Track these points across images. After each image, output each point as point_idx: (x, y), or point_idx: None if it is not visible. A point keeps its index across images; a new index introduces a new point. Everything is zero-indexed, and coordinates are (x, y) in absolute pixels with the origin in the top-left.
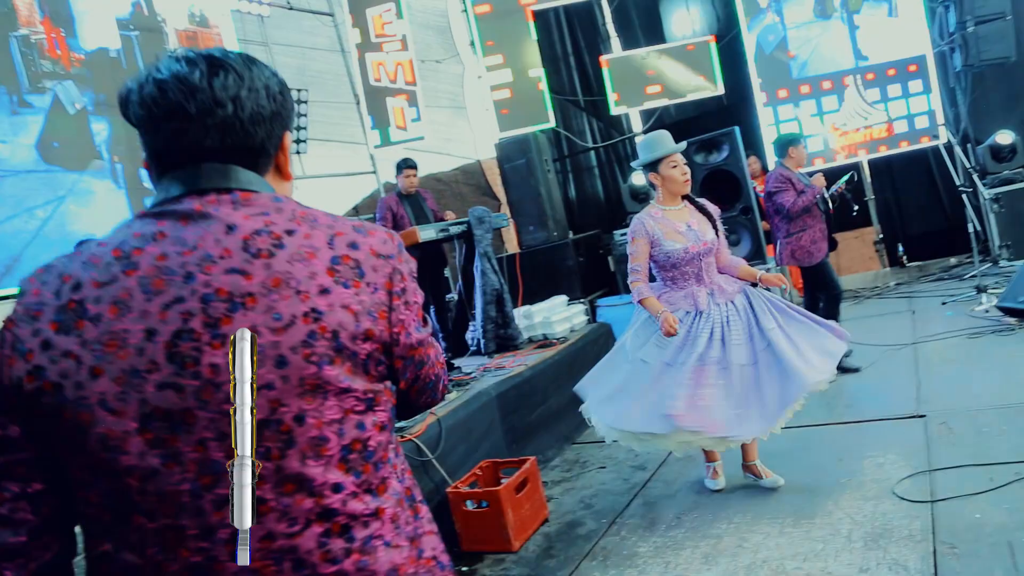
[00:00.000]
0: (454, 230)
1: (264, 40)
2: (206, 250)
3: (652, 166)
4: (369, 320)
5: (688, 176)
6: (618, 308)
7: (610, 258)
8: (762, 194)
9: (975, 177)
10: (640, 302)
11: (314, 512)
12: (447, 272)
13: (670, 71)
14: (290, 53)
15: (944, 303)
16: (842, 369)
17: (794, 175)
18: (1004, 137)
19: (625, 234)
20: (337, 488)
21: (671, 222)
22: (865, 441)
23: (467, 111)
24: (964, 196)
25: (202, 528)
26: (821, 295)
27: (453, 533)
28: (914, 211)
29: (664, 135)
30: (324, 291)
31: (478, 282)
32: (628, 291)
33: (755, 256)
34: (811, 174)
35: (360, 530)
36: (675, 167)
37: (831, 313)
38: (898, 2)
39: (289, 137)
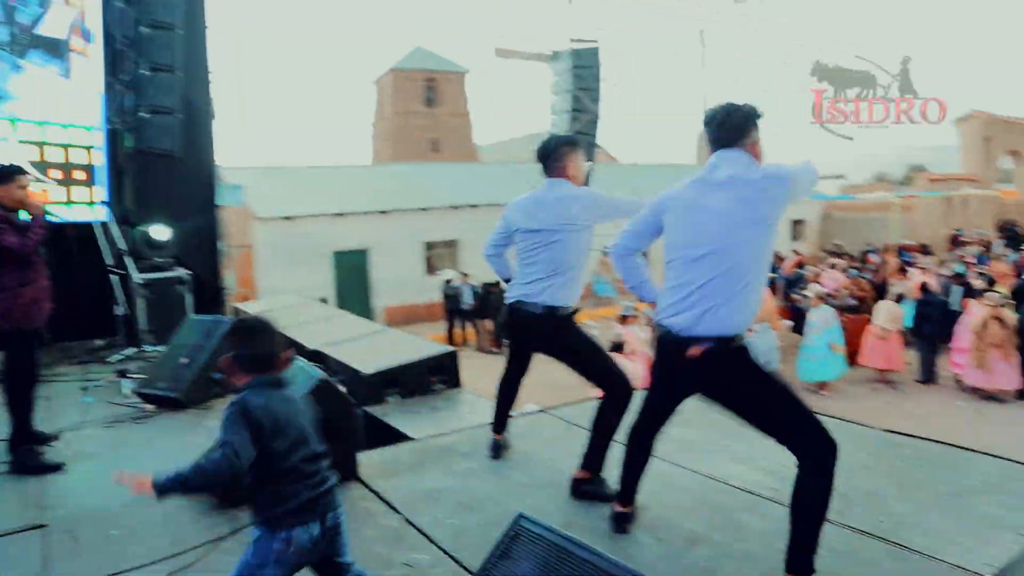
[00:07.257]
0: None
1: None
2: None
3: None
4: None
5: None
6: None
7: None
8: None
9: (128, 261)
10: None
11: None
12: None
13: None
14: None
15: (85, 388)
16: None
17: None
18: (160, 232)
19: None
20: None
21: None
22: None
23: None
24: (114, 278)
25: None
26: None
27: None
28: (60, 288)
29: None
30: None
31: None
32: None
33: None
34: None
35: None
36: None
37: None
38: (73, 66)
39: None
